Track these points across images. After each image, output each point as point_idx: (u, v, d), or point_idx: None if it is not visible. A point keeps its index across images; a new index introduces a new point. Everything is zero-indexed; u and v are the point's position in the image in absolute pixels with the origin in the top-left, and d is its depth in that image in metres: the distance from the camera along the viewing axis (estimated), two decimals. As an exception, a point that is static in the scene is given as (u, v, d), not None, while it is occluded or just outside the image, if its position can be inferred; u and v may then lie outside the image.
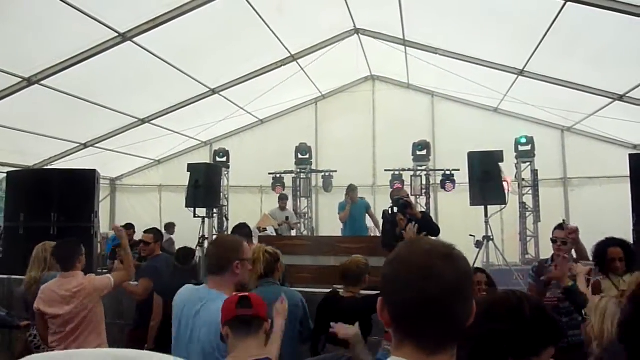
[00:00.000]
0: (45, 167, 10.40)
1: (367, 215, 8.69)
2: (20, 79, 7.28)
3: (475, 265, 8.46)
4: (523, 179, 9.61)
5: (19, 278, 5.40)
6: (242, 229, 4.78)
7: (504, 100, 10.73)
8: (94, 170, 8.17)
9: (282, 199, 9.75)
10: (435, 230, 5.05)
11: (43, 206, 7.67)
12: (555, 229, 4.31)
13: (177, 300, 2.65)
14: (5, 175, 8.78)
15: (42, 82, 7.44)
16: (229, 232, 10.53)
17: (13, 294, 5.63)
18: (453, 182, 10.12)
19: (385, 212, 5.28)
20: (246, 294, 2.23)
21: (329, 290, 4.02)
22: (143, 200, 13.22)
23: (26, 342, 4.46)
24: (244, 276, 2.71)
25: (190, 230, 10.17)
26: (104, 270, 9.59)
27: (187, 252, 4.41)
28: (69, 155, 10.61)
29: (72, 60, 7.15)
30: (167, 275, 4.60)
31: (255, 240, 5.46)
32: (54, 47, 6.94)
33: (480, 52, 8.81)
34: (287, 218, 9.41)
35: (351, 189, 8.55)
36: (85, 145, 10.56)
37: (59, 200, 7.76)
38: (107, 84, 8.49)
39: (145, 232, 5.27)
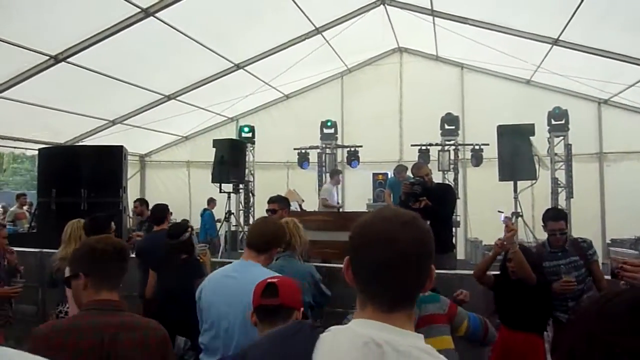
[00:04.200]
0: (76, 144, 10.62)
1: None
2: (48, 57, 7.36)
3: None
4: (556, 154, 9.28)
5: (50, 251, 5.56)
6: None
7: (537, 72, 10.33)
8: (121, 146, 8.30)
9: (337, 173, 9.67)
10: (445, 212, 5.03)
11: (73, 182, 7.87)
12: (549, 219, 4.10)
13: (206, 283, 2.70)
14: (37, 152, 9.02)
15: (69, 60, 7.50)
16: (255, 207, 10.66)
17: (45, 267, 5.79)
18: (480, 158, 9.85)
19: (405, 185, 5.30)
20: (275, 279, 2.11)
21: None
22: (172, 176, 13.41)
23: (57, 317, 4.59)
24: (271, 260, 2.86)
25: (219, 205, 10.31)
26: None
27: (177, 228, 4.44)
28: (98, 132, 10.80)
29: (96, 37, 7.17)
30: (162, 250, 4.68)
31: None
32: (78, 24, 6.97)
33: (512, 21, 8.44)
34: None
35: (397, 170, 8.60)
36: (114, 122, 10.71)
37: (88, 176, 7.94)
38: (132, 60, 8.52)
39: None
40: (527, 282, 3.61)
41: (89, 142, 10.72)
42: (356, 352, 1.05)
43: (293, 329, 1.19)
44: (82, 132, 10.75)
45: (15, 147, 10.14)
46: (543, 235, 8.91)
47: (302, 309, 2.07)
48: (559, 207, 9.12)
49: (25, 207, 11.17)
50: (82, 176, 7.96)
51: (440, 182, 8.30)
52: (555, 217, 4.06)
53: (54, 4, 6.41)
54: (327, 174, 10.34)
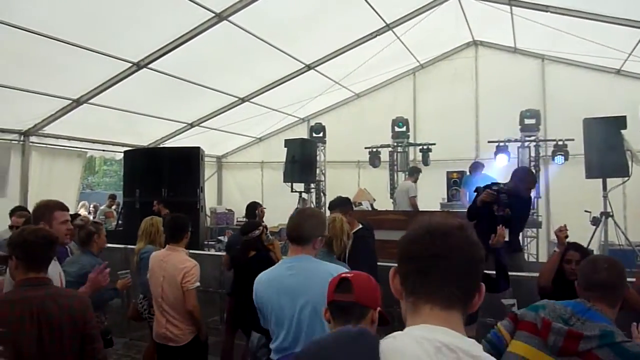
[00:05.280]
0: (158, 146, 11.20)
1: None
2: (130, 64, 7.81)
3: (590, 245, 7.73)
4: (651, 148, 8.50)
5: (134, 247, 5.91)
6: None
7: (628, 61, 9.51)
8: (198, 148, 8.65)
9: (416, 172, 9.52)
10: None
11: (155, 182, 8.31)
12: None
13: (259, 282, 2.63)
14: (122, 154, 9.62)
15: (149, 66, 7.91)
16: (326, 207, 10.68)
17: (129, 262, 6.14)
18: (565, 154, 9.24)
19: (478, 188, 5.04)
20: (348, 275, 1.99)
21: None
22: (246, 176, 13.82)
23: (135, 307, 4.86)
24: (316, 252, 2.68)
25: (290, 205, 10.43)
26: (211, 243, 10.22)
27: (249, 225, 4.58)
28: (178, 134, 11.34)
29: (174, 44, 7.50)
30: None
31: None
32: (157, 31, 7.33)
33: (599, 6, 7.80)
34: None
35: (473, 168, 8.69)
36: (192, 125, 11.19)
37: (168, 177, 8.34)
38: (208, 64, 8.83)
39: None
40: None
41: (170, 144, 11.28)
42: (429, 359, 1.01)
43: (354, 334, 1.13)
44: (163, 135, 11.34)
45: (104, 150, 10.88)
46: (637, 237, 8.20)
47: (378, 308, 1.93)
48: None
49: (113, 207, 11.95)
50: (162, 176, 8.38)
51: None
52: None
53: (134, 14, 6.77)
54: (406, 172, 10.17)
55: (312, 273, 2.42)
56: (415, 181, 9.36)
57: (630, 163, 7.61)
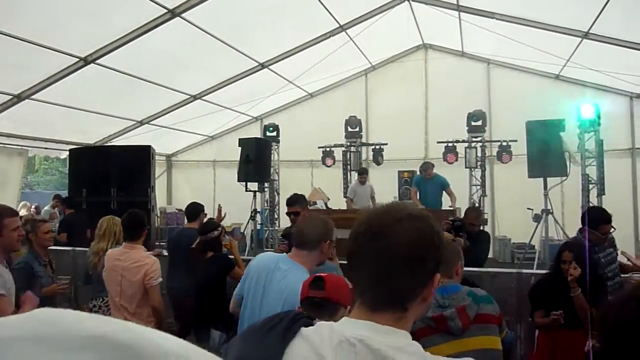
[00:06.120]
0: (105, 145, 10.83)
1: (445, 192, 8.73)
2: (77, 59, 7.51)
3: (532, 241, 8.11)
4: (586, 150, 9.05)
5: (82, 250, 5.68)
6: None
7: (566, 66, 10.09)
8: (149, 146, 8.44)
9: (362, 173, 9.66)
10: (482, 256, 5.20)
11: (103, 181, 8.03)
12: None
13: (254, 264, 2.65)
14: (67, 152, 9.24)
15: (98, 62, 7.64)
16: (280, 206, 10.68)
17: (77, 264, 5.92)
18: (510, 153, 9.70)
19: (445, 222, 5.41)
20: (323, 274, 2.08)
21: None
22: (198, 175, 13.56)
23: (90, 311, 4.69)
24: (326, 258, 2.69)
25: (243, 204, 10.36)
26: (162, 243, 9.99)
27: (208, 225, 4.59)
28: (126, 132, 10.99)
29: (124, 39, 7.28)
30: (188, 245, 4.74)
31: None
32: (106, 26, 7.10)
33: (541, 14, 8.26)
34: (372, 198, 9.40)
35: (423, 168, 8.85)
36: (141, 123, 10.89)
37: (117, 176, 8.09)
38: (159, 61, 8.63)
39: None
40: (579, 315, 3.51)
41: (117, 142, 10.93)
42: (326, 352, 1.01)
43: (272, 321, 1.14)
44: (111, 133, 10.97)
45: (47, 148, 10.40)
46: (573, 233, 8.69)
47: (349, 307, 1.97)
48: (591, 204, 8.92)
49: (57, 208, 11.44)
50: (111, 176, 8.12)
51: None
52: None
53: (82, 7, 6.54)
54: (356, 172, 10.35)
55: (289, 289, 2.40)
56: (361, 181, 9.51)
57: (568, 163, 8.08)
